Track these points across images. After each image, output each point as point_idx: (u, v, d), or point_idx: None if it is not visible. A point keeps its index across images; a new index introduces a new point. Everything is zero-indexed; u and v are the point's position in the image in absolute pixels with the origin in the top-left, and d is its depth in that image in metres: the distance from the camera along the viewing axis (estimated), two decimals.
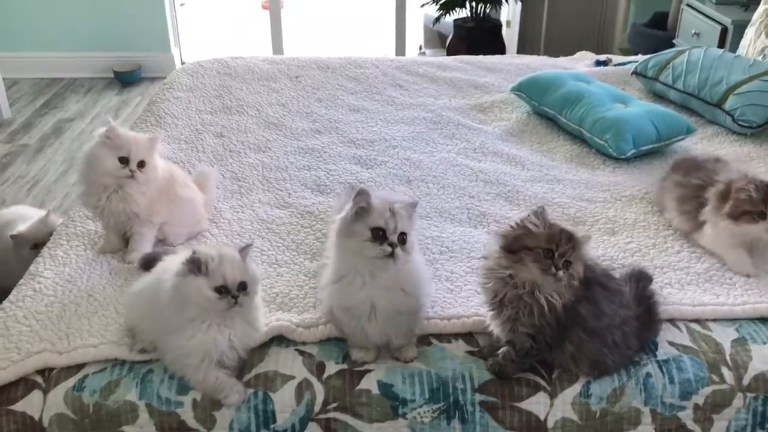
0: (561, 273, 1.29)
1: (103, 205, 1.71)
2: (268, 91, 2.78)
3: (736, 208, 1.68)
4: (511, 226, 1.36)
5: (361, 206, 1.35)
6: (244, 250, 1.39)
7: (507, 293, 1.34)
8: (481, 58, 3.25)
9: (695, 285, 1.67)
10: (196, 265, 1.33)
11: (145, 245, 1.75)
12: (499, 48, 4.96)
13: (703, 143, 2.48)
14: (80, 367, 1.44)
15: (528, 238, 1.32)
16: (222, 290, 1.33)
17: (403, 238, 1.34)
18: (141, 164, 1.68)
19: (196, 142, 2.36)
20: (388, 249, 1.32)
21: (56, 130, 4.14)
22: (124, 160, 1.67)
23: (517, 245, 1.33)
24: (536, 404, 1.42)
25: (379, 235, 1.33)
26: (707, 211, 1.77)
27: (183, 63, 4.76)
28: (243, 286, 1.34)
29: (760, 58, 2.79)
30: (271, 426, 1.41)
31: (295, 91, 2.79)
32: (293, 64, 3.03)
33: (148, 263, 1.61)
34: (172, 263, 1.43)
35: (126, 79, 4.87)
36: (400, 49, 5.23)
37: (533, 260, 1.30)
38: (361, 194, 1.36)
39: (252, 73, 2.92)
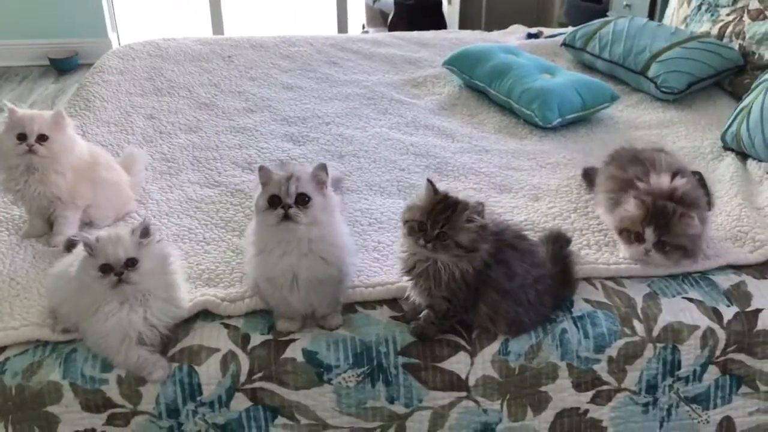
0: (429, 245, 1.33)
1: (22, 188, 1.69)
2: (200, 71, 2.76)
3: (620, 222, 1.58)
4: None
5: (263, 181, 1.39)
6: (137, 229, 1.38)
7: (416, 265, 1.38)
8: (416, 34, 3.28)
9: (612, 246, 1.73)
10: (87, 248, 1.35)
11: (69, 228, 1.73)
12: (440, 25, 4.99)
13: (628, 110, 2.55)
14: (1, 350, 1.44)
15: (409, 212, 1.38)
16: (105, 269, 1.34)
17: (303, 199, 1.36)
18: (42, 138, 1.66)
19: (126, 125, 2.33)
20: (280, 212, 1.35)
21: None
22: (22, 137, 1.65)
23: (403, 221, 1.38)
24: (457, 364, 1.47)
25: (274, 201, 1.37)
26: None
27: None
28: (131, 263, 1.35)
29: (682, 27, 2.87)
30: (198, 398, 1.43)
31: (228, 71, 2.78)
32: (226, 44, 3.01)
33: (73, 246, 1.60)
34: None
35: (62, 67, 4.76)
36: (342, 27, 5.22)
37: (408, 233, 1.36)
38: (261, 170, 1.40)
39: (184, 54, 2.90)
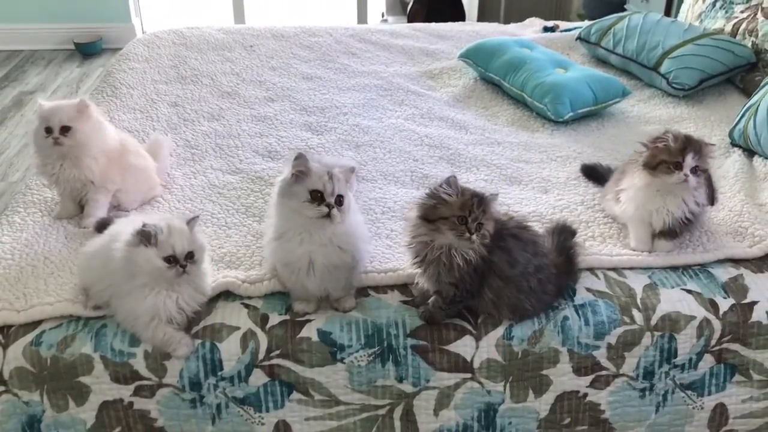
0: (474, 236, 1.41)
1: (57, 173, 1.79)
2: (222, 60, 2.84)
3: (653, 157, 1.69)
4: (427, 195, 1.46)
5: (300, 170, 1.45)
6: (191, 221, 1.48)
7: (428, 254, 1.46)
8: (433, 25, 3.33)
9: (616, 238, 1.80)
10: (146, 237, 1.42)
11: (99, 211, 1.83)
12: (459, 15, 5.03)
13: (639, 105, 2.60)
14: (37, 324, 1.54)
15: (443, 207, 1.43)
16: (171, 260, 1.43)
17: (340, 200, 1.45)
18: (65, 129, 1.75)
19: (151, 112, 2.43)
20: (325, 210, 1.43)
21: (17, 103, 4.16)
22: (48, 130, 1.75)
23: (434, 215, 1.44)
24: (463, 347, 1.55)
25: (317, 196, 1.44)
26: (628, 168, 1.79)
27: (144, 33, 4.76)
28: (190, 256, 1.45)
29: (697, 23, 2.91)
30: (219, 373, 1.52)
31: (250, 60, 2.86)
32: (248, 34, 3.09)
33: (103, 228, 1.69)
34: (123, 227, 1.53)
35: (87, 51, 4.86)
36: (362, 15, 5.27)
37: (449, 228, 1.42)
38: (300, 158, 1.46)
39: (207, 43, 2.98)
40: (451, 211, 1.43)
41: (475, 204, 1.42)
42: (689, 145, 1.67)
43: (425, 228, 1.46)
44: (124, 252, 1.44)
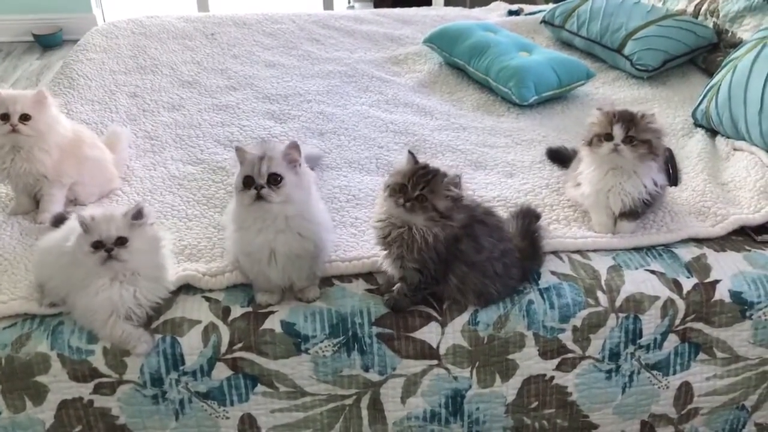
0: (408, 204, 1.40)
1: (9, 167, 1.73)
2: (183, 49, 2.79)
3: (589, 133, 1.73)
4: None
5: (240, 162, 1.45)
6: (130, 211, 1.45)
7: (391, 232, 1.44)
8: (397, 10, 3.31)
9: (580, 221, 1.79)
10: (82, 225, 1.41)
11: (55, 205, 1.78)
12: (426, 0, 4.99)
13: (604, 87, 2.61)
14: None
15: (392, 177, 1.45)
16: (97, 245, 1.40)
17: (275, 179, 1.42)
18: (25, 117, 1.71)
19: (110, 103, 2.37)
20: (253, 192, 1.41)
21: None
22: (5, 117, 1.70)
23: (385, 185, 1.45)
24: (429, 333, 1.54)
25: (247, 182, 1.42)
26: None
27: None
28: (121, 241, 1.41)
29: (659, 4, 2.91)
30: (181, 368, 1.49)
31: (211, 48, 2.81)
32: (209, 22, 3.03)
33: (59, 223, 1.65)
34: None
35: (47, 43, 4.75)
36: (328, 3, 5.21)
37: (389, 195, 1.42)
38: (238, 151, 1.46)
39: (167, 32, 2.92)
40: (395, 179, 1.44)
41: (420, 174, 1.42)
42: (618, 115, 1.69)
43: (381, 202, 1.47)
44: (73, 242, 1.43)
